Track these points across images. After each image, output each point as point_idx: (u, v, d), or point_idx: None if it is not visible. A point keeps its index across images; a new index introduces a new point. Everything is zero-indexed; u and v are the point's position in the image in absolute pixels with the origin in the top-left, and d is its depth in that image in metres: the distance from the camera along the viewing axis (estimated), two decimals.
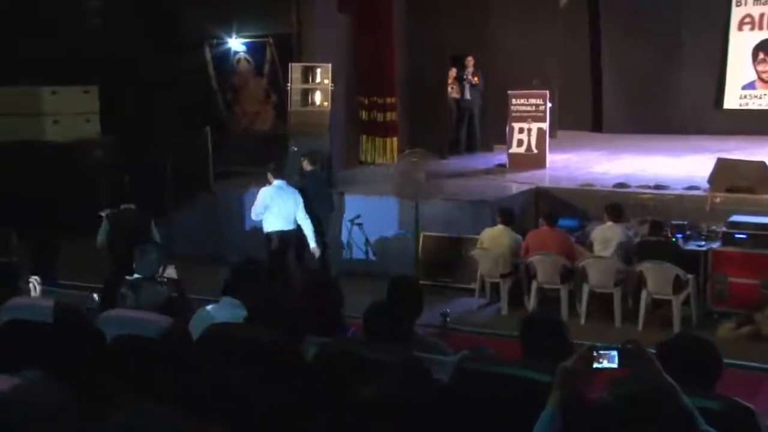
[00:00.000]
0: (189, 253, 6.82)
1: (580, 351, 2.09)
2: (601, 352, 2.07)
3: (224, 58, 9.52)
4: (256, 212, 6.34)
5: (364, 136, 9.50)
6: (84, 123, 9.10)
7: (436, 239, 6.91)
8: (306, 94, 8.09)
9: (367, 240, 7.30)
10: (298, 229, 6.34)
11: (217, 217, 7.91)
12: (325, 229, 6.65)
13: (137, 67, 8.81)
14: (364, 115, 9.44)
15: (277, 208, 6.31)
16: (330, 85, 7.97)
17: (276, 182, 6.37)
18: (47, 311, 2.64)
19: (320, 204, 6.63)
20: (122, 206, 5.86)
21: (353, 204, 7.36)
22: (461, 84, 9.95)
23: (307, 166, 6.76)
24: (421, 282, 4.66)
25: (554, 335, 2.63)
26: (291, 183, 6.47)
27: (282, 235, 6.33)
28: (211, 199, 7.98)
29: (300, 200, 6.31)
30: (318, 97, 8.06)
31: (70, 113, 8.92)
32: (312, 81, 8.17)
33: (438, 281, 6.76)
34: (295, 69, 8.18)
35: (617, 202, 6.57)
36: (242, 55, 9.50)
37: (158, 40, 8.96)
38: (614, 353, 2.07)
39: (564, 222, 6.71)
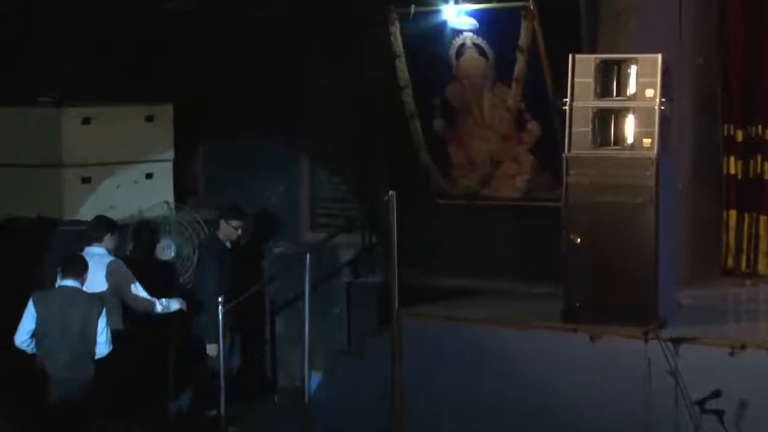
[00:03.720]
0: None
1: None
2: None
3: (430, 45, 8.95)
4: None
5: (734, 212, 8.82)
6: (143, 182, 8.91)
7: None
8: (605, 120, 7.42)
9: None
10: None
11: None
12: None
13: (237, 74, 9.13)
14: (734, 166, 8.80)
15: None
16: (658, 99, 7.18)
17: None
18: None
19: None
20: None
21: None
22: None
23: None
24: None
25: None
26: None
27: None
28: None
29: None
30: (632, 125, 7.31)
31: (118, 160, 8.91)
32: (620, 93, 7.36)
33: None
34: (583, 66, 7.39)
35: None
36: (469, 39, 8.71)
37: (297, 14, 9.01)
38: None
39: None
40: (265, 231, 9.26)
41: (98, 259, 7.43)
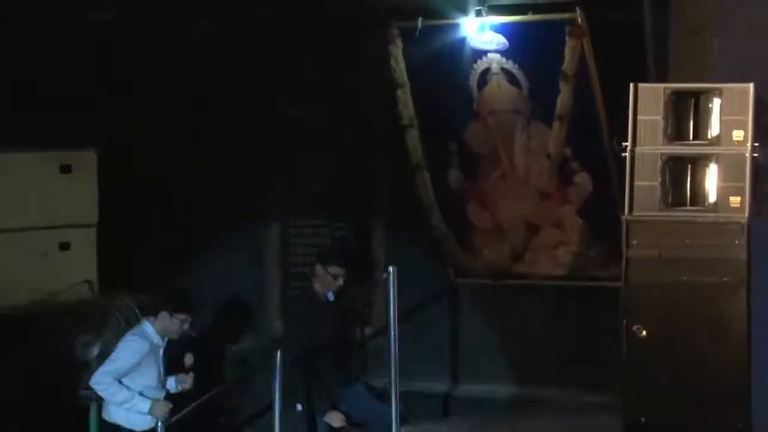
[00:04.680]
0: None
1: None
2: None
3: (443, 71, 8.98)
4: None
5: None
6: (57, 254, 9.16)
7: None
8: (678, 171, 7.42)
9: None
10: None
11: None
12: None
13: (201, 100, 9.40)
14: None
15: None
16: (750, 144, 7.21)
17: None
18: None
19: None
20: None
21: None
22: None
23: None
24: None
25: None
26: None
27: None
28: None
29: None
30: (714, 178, 7.32)
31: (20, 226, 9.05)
32: (698, 135, 7.41)
33: None
34: (649, 98, 7.39)
35: None
36: (496, 63, 8.80)
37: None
38: None
39: None
40: (223, 323, 9.29)
41: None
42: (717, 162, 7.09)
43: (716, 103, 7.17)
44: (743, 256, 6.90)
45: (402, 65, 8.96)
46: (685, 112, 7.22)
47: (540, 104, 8.70)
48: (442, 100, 8.98)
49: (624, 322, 7.04)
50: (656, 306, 7.05)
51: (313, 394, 8.25)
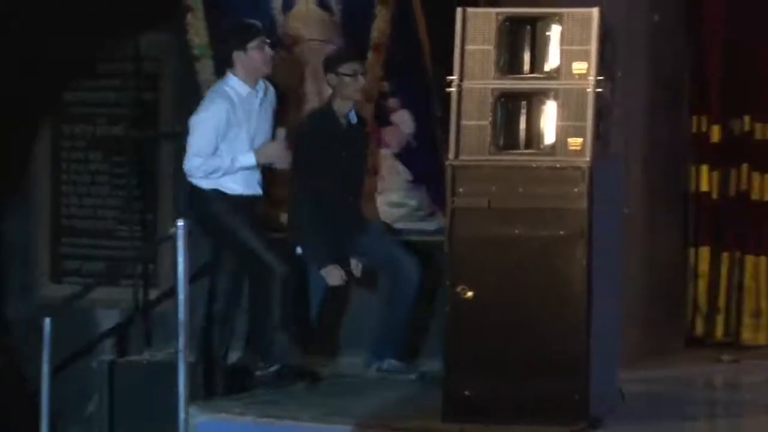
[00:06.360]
0: None
1: None
2: None
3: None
4: None
5: (706, 250, 9.19)
6: None
7: None
8: (511, 109, 7.25)
9: None
10: None
11: None
12: None
13: None
14: (707, 180, 9.22)
15: None
16: (593, 77, 7.03)
17: None
18: None
19: None
20: None
21: None
22: None
23: None
24: None
25: None
26: None
27: None
28: None
29: None
30: (553, 117, 7.11)
31: None
32: (535, 67, 7.31)
33: None
34: (479, 25, 7.23)
35: None
36: None
37: None
38: None
39: None
40: None
41: None
42: (556, 98, 6.86)
43: (555, 31, 6.92)
44: (583, 205, 6.74)
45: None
46: (520, 41, 6.99)
47: (353, 31, 8.59)
48: (241, 25, 8.57)
49: (447, 282, 6.86)
50: (484, 263, 6.86)
51: (319, 240, 8.01)
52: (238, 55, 7.72)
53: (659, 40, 8.76)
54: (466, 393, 6.78)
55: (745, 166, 9.00)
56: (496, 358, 6.86)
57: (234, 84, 7.71)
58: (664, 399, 7.69)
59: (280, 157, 7.85)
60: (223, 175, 7.73)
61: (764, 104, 9.01)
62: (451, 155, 6.87)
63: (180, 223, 7.72)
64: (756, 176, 8.97)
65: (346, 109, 8.05)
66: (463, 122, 6.96)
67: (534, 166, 6.88)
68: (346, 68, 8.00)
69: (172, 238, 7.82)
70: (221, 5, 8.88)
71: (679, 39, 9.04)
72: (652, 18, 8.56)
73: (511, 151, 6.95)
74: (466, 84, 6.96)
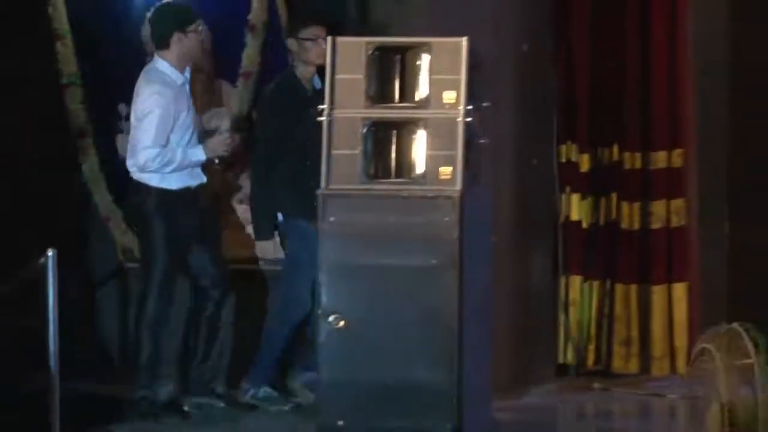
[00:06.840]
0: None
1: None
2: None
3: (111, 20, 9.02)
4: None
5: (577, 279, 9.22)
6: None
7: None
8: (382, 138, 7.36)
9: None
10: None
11: None
12: None
13: None
14: (578, 208, 9.26)
15: None
16: (463, 107, 7.18)
17: None
18: None
19: None
20: None
21: None
22: None
23: None
24: None
25: None
26: None
27: None
28: None
29: None
30: (423, 145, 7.25)
31: None
32: (405, 96, 7.41)
33: None
34: (348, 55, 7.39)
35: None
36: None
37: None
38: None
39: None
40: None
41: None
42: (426, 127, 6.92)
43: (425, 60, 7.00)
44: (455, 234, 6.79)
45: (63, 12, 8.66)
46: (390, 70, 7.05)
47: (224, 60, 8.71)
48: (111, 53, 8.78)
49: (319, 311, 6.93)
50: (355, 293, 6.91)
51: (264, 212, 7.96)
52: (177, 37, 7.57)
53: (528, 70, 8.78)
54: (340, 423, 6.79)
55: (614, 195, 9.06)
56: (369, 388, 6.85)
57: (165, 69, 7.57)
58: (537, 428, 7.68)
59: (226, 150, 7.76)
60: (173, 171, 7.60)
61: (632, 134, 9.06)
62: (322, 183, 6.92)
63: (50, 253, 7.53)
64: (625, 205, 8.99)
65: (309, 75, 8.00)
66: (334, 151, 7.02)
67: (404, 195, 6.91)
68: (306, 33, 7.95)
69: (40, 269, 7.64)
70: (95, 33, 8.82)
71: (548, 68, 9.09)
72: (521, 47, 8.51)
73: (381, 180, 7.01)
74: (336, 113, 7.03)
